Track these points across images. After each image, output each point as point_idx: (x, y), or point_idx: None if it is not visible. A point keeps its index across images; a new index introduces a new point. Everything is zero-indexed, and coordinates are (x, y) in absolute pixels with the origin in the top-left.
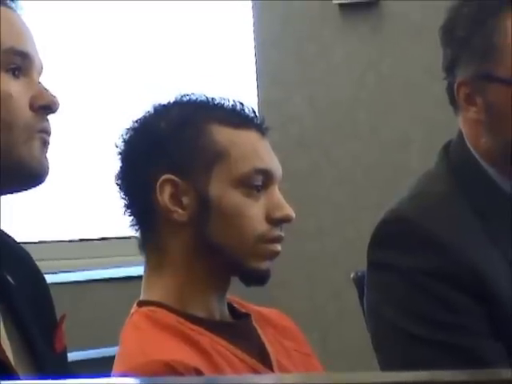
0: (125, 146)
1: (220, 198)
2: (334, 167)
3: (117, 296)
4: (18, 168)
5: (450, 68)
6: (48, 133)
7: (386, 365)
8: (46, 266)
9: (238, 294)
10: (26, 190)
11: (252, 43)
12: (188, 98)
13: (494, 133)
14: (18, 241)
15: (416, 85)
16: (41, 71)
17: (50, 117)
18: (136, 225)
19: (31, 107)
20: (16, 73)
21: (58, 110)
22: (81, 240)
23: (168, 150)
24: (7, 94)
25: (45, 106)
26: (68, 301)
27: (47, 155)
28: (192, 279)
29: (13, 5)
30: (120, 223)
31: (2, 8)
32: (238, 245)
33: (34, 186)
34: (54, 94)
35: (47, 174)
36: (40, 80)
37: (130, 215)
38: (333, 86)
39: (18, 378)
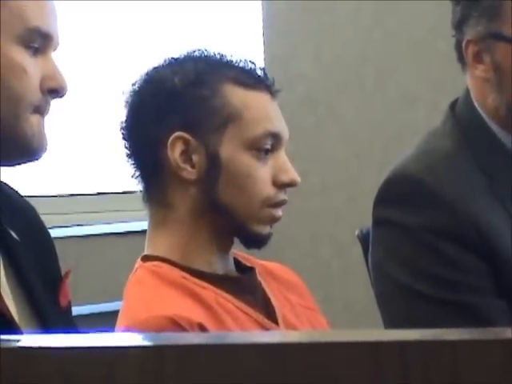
0: (135, 96)
1: (230, 159)
2: (340, 124)
3: (121, 250)
4: (19, 141)
5: (459, 25)
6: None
7: (391, 322)
8: (51, 220)
9: (241, 250)
10: (21, 163)
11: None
12: (200, 53)
13: (501, 92)
14: (24, 194)
15: (423, 42)
16: (56, 47)
17: None
18: (139, 177)
19: (41, 87)
20: (35, 51)
21: (65, 95)
22: (85, 195)
23: (182, 107)
24: (23, 70)
25: (53, 90)
26: (73, 255)
27: (46, 132)
28: (196, 237)
29: None
30: (122, 178)
31: None
32: (244, 207)
33: (31, 161)
34: (64, 76)
35: (45, 150)
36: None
37: (134, 166)
38: (339, 43)
39: (21, 334)
